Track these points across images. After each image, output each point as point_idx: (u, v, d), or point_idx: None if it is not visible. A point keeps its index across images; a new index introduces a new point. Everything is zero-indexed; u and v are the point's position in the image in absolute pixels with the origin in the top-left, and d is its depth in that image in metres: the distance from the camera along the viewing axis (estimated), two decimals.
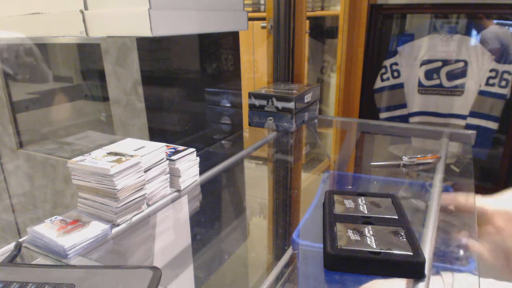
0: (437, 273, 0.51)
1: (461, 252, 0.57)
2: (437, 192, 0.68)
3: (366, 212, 0.58)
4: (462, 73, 1.42)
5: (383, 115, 1.57)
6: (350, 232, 0.53)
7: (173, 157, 0.67)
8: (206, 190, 0.74)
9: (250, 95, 1.05)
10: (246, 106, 1.08)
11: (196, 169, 0.73)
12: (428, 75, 1.47)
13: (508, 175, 1.43)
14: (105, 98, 1.11)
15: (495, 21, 1.36)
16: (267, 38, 1.24)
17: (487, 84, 1.38)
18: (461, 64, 1.42)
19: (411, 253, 0.47)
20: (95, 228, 0.53)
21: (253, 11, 2.13)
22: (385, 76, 1.53)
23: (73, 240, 0.50)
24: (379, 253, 0.48)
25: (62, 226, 0.53)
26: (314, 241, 0.57)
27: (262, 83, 1.88)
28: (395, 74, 1.51)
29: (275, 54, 1.23)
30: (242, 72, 1.34)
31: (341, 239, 0.51)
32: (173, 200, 0.68)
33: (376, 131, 1.16)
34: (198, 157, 0.72)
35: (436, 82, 1.46)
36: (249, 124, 1.08)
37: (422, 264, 0.46)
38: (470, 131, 1.00)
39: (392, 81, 1.52)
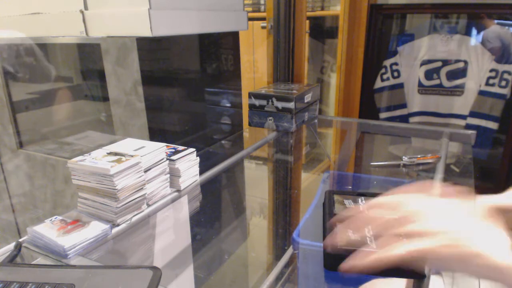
0: (437, 273, 0.51)
1: None
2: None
3: None
4: (462, 73, 1.42)
5: (383, 115, 1.57)
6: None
7: (173, 157, 0.67)
8: (206, 190, 0.74)
9: (250, 95, 1.05)
10: (246, 106, 1.08)
11: (196, 169, 0.73)
12: (428, 75, 1.47)
13: (508, 175, 1.43)
14: (105, 98, 1.11)
15: (495, 21, 1.36)
16: (267, 38, 1.24)
17: (487, 84, 1.38)
18: (461, 64, 1.42)
19: None
20: (95, 228, 0.53)
21: (253, 11, 2.13)
22: (385, 76, 1.53)
23: (73, 240, 0.50)
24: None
25: (62, 226, 0.53)
26: (314, 240, 0.57)
27: (262, 83, 1.88)
28: (395, 74, 1.51)
29: (275, 54, 1.23)
30: (242, 72, 1.34)
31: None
32: (173, 200, 0.68)
33: (376, 131, 1.16)
34: (198, 157, 0.72)
35: (436, 82, 1.46)
36: (249, 124, 1.08)
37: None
38: (470, 131, 1.00)
39: (392, 81, 1.52)
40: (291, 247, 0.60)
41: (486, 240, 0.38)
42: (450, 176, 0.81)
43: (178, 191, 0.69)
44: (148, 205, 0.63)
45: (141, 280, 0.40)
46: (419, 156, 0.86)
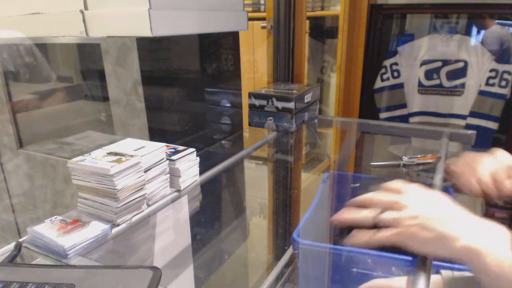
0: (437, 272, 0.51)
1: None
2: None
3: None
4: (462, 73, 1.42)
5: (383, 115, 1.57)
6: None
7: (173, 157, 0.67)
8: (206, 190, 0.74)
9: (250, 95, 1.05)
10: (246, 106, 1.08)
11: (196, 169, 0.73)
12: (428, 75, 1.47)
13: None
14: (105, 98, 1.11)
15: (495, 21, 1.36)
16: (267, 38, 1.24)
17: (487, 84, 1.38)
18: (461, 64, 1.42)
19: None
20: (95, 228, 0.53)
21: (253, 11, 2.13)
22: (385, 76, 1.53)
23: (73, 240, 0.50)
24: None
25: (62, 226, 0.53)
26: (314, 240, 0.58)
27: (262, 83, 1.88)
28: (395, 74, 1.51)
29: (275, 54, 1.23)
30: (242, 72, 1.34)
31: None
32: (173, 200, 0.67)
33: (376, 131, 1.16)
34: (198, 157, 0.72)
35: (436, 82, 1.46)
36: (249, 124, 1.08)
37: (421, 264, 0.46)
38: (470, 131, 1.00)
39: (392, 81, 1.52)
40: (291, 247, 0.60)
41: (461, 225, 0.43)
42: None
43: (178, 191, 0.69)
44: (148, 205, 0.63)
45: (141, 280, 0.40)
46: (419, 156, 0.86)
